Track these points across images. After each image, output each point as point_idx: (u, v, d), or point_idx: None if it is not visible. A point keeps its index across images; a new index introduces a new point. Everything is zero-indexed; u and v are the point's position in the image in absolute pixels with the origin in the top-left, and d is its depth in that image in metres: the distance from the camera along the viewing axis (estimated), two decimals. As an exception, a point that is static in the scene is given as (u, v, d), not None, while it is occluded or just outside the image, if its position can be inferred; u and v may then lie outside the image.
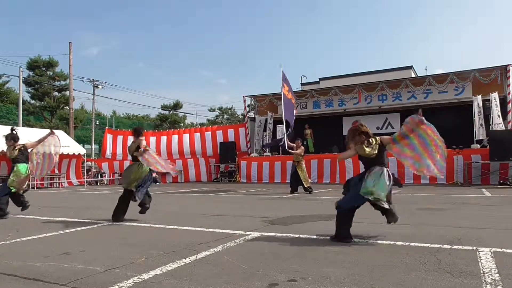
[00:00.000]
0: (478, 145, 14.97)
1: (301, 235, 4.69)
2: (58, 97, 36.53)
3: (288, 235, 4.75)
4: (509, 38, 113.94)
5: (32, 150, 7.18)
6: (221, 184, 18.01)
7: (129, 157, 6.64)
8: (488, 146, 14.14)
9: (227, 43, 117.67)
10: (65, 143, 16.41)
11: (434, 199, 9.19)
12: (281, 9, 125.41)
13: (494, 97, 15.16)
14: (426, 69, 40.60)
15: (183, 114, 51.77)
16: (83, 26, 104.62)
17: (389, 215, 4.36)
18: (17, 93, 29.93)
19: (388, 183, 4.22)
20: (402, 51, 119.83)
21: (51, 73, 36.22)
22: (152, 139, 21.02)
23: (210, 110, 59.00)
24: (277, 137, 19.08)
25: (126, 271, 3.21)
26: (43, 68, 36.00)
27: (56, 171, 18.02)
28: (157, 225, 5.73)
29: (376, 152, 4.29)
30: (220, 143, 20.07)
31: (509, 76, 15.62)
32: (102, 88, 34.90)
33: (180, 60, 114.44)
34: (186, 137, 21.13)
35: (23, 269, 3.31)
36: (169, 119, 49.19)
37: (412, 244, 4.07)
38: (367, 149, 4.29)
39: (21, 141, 7.13)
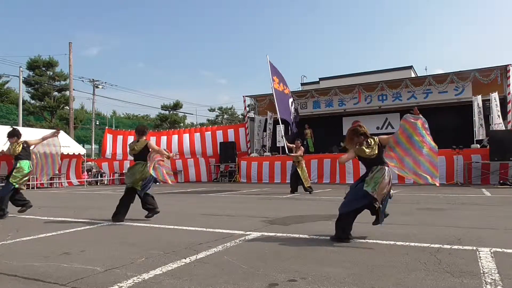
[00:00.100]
0: (478, 145, 14.97)
1: (301, 235, 4.69)
2: (58, 97, 36.55)
3: (288, 235, 4.75)
4: (509, 38, 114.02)
5: (33, 147, 7.21)
6: (221, 184, 18.00)
7: (130, 157, 6.61)
8: (488, 146, 14.14)
9: (227, 43, 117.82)
10: (65, 143, 16.42)
11: (434, 199, 9.19)
12: (281, 9, 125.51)
13: (494, 97, 15.16)
14: (426, 69, 40.72)
15: (183, 114, 51.89)
16: (83, 26, 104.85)
17: (377, 219, 4.37)
18: (17, 93, 29.97)
19: (387, 180, 4.21)
20: (402, 51, 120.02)
21: (51, 73, 36.26)
22: (152, 139, 20.97)
23: (210, 110, 59.14)
24: (277, 138, 19.07)
25: (126, 271, 3.21)
26: (43, 68, 36.04)
27: (56, 171, 17.99)
28: (157, 225, 5.72)
29: (376, 152, 4.30)
30: (220, 143, 20.06)
31: (509, 76, 15.61)
32: (102, 88, 34.96)
33: (180, 60, 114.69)
34: (186, 137, 21.13)
35: (23, 269, 3.31)
36: (169, 119, 49.20)
37: (412, 244, 4.07)
38: (367, 150, 4.30)
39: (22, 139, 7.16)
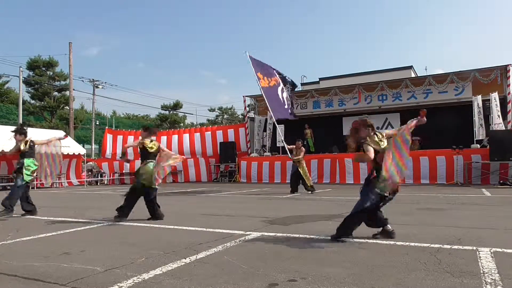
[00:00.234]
0: (478, 145, 14.97)
1: (301, 235, 4.69)
2: (58, 97, 36.56)
3: (288, 235, 4.75)
4: (509, 38, 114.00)
5: (37, 147, 7.32)
6: (221, 184, 18.00)
7: (130, 157, 6.64)
8: (488, 146, 14.15)
9: (227, 43, 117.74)
10: (65, 143, 16.30)
11: (434, 199, 9.19)
12: (281, 9, 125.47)
13: (494, 97, 15.16)
14: (426, 69, 40.59)
15: (183, 114, 51.89)
16: (83, 26, 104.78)
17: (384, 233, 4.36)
18: (17, 93, 29.97)
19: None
20: (402, 51, 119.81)
21: (51, 73, 36.27)
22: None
23: (210, 110, 59.13)
24: (277, 138, 19.04)
25: (126, 271, 3.21)
26: (43, 68, 36.05)
27: (58, 172, 17.99)
28: (157, 225, 5.73)
29: (387, 144, 4.29)
30: (220, 143, 20.07)
31: (509, 76, 15.62)
32: (102, 88, 34.95)
33: (180, 60, 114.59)
34: (186, 137, 21.14)
35: (23, 269, 3.31)
36: (169, 119, 49.21)
37: (412, 244, 4.07)
38: (384, 142, 4.27)
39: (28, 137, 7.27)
